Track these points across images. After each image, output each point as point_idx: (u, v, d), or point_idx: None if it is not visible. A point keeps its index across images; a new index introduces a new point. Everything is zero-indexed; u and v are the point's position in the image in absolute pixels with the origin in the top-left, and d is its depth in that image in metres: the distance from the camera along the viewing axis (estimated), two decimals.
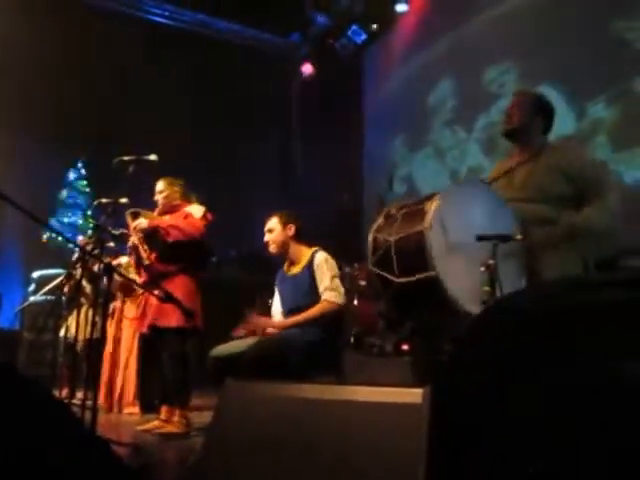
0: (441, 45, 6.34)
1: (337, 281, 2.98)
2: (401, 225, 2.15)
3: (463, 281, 2.01)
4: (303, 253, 3.09)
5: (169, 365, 3.31)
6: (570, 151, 2.51)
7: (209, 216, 3.50)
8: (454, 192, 2.15)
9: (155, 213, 3.56)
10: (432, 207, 2.03)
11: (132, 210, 3.43)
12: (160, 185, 3.61)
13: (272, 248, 3.12)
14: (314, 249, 3.09)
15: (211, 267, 3.57)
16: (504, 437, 0.78)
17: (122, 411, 4.33)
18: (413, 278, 2.03)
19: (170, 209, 3.56)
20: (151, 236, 3.38)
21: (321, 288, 2.94)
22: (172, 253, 3.34)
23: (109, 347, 4.49)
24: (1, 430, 1.05)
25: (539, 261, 2.24)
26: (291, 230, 3.09)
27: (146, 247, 3.40)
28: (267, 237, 3.12)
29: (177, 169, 3.72)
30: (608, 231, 2.33)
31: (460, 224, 2.08)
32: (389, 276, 2.11)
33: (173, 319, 3.26)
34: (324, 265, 2.97)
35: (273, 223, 3.12)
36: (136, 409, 4.31)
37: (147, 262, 3.39)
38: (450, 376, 0.90)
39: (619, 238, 2.43)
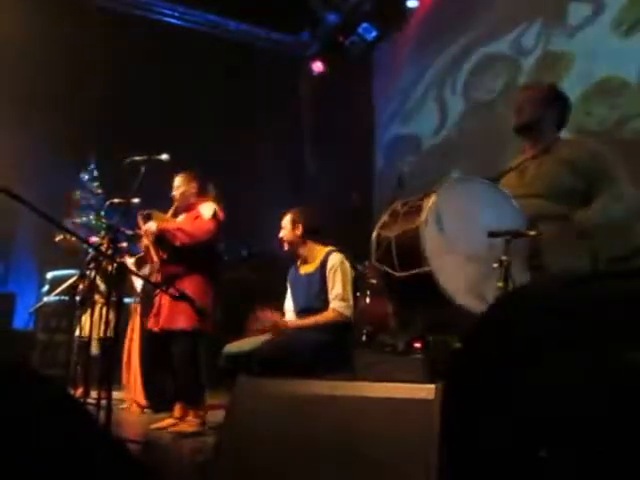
0: (454, 42, 6.29)
1: (349, 289, 2.97)
2: (401, 221, 2.17)
3: (459, 276, 2.02)
4: (317, 252, 3.09)
5: (180, 366, 3.33)
6: (581, 145, 2.43)
7: (220, 215, 3.47)
8: (452, 188, 2.15)
9: (171, 210, 3.57)
10: (428, 203, 2.05)
11: (144, 212, 3.45)
12: (177, 180, 3.60)
13: (284, 245, 3.16)
14: (329, 249, 3.08)
15: (223, 266, 3.56)
16: (516, 430, 0.78)
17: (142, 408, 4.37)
18: (409, 273, 2.05)
19: (186, 207, 3.56)
20: (161, 238, 3.40)
21: (332, 294, 2.93)
22: (181, 255, 3.36)
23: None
24: (16, 429, 1.06)
25: (546, 257, 2.21)
26: (299, 229, 3.10)
27: (155, 250, 3.43)
28: (281, 234, 3.17)
29: (190, 169, 3.72)
30: (621, 225, 2.28)
31: (458, 220, 2.08)
32: (390, 271, 2.13)
33: (182, 320, 3.28)
34: (338, 269, 2.96)
35: (285, 221, 3.16)
36: (144, 402, 4.36)
37: (156, 266, 3.43)
38: (460, 370, 0.90)
39: (633, 236, 2.38)
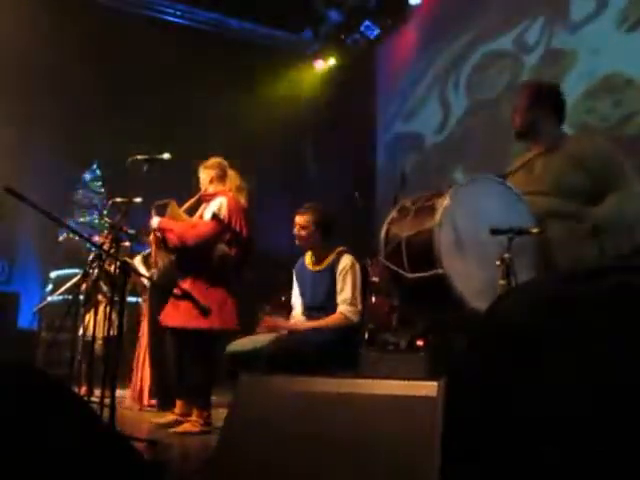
0: (457, 39, 6.28)
1: (358, 294, 2.96)
2: (412, 221, 2.14)
3: (472, 279, 1.99)
4: (328, 251, 3.09)
5: (188, 366, 3.33)
6: (588, 143, 2.40)
7: (223, 216, 3.36)
8: (465, 189, 2.12)
9: (187, 203, 3.54)
10: (442, 205, 2.02)
11: (158, 203, 3.44)
12: (199, 172, 3.60)
13: (300, 243, 3.13)
14: (340, 249, 3.08)
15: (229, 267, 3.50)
16: (515, 430, 0.78)
17: (143, 407, 4.39)
18: (421, 275, 2.02)
19: (206, 198, 3.53)
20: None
21: (341, 297, 2.93)
22: (179, 255, 3.37)
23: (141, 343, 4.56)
24: (21, 427, 1.06)
25: (555, 256, 2.19)
26: (319, 233, 3.08)
27: (156, 247, 3.42)
28: (297, 231, 3.11)
29: (191, 169, 3.72)
30: (627, 223, 2.25)
31: (471, 221, 2.05)
32: (400, 271, 2.11)
33: (180, 319, 3.27)
34: (349, 271, 2.95)
35: (306, 221, 3.08)
36: (153, 402, 4.37)
37: (152, 262, 3.43)
38: (461, 369, 0.90)
39: (637, 236, 2.36)
